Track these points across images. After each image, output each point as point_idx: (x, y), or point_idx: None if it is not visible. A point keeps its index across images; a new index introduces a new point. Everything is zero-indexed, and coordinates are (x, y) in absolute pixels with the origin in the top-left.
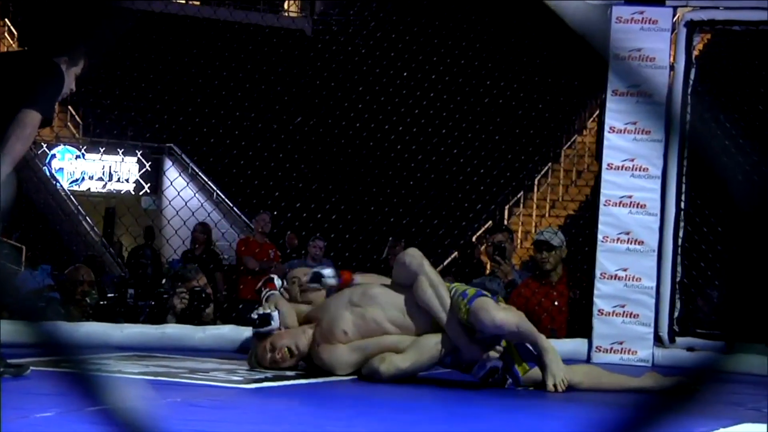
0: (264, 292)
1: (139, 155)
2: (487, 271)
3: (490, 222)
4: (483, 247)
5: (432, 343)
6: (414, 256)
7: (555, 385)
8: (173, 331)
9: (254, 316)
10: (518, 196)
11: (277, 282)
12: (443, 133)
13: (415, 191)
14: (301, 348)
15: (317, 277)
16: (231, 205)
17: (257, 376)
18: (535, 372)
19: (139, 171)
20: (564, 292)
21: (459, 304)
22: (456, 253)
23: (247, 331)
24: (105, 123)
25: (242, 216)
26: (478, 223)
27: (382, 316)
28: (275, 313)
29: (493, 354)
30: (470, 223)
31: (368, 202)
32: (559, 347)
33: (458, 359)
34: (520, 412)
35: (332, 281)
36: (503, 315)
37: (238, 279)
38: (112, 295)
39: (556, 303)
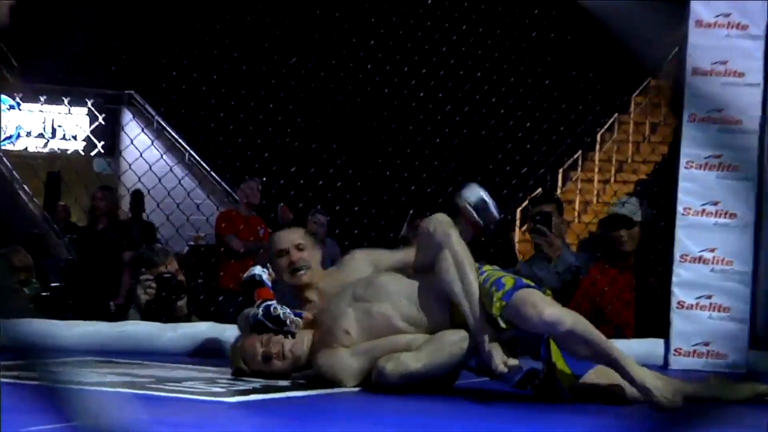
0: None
1: (90, 105)
2: (521, 256)
3: (540, 190)
4: (523, 226)
5: (452, 340)
6: (440, 222)
7: (664, 399)
8: (136, 329)
9: (264, 310)
10: (575, 156)
11: (260, 273)
12: (477, 76)
13: (442, 151)
14: (297, 352)
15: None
16: (208, 169)
17: (242, 387)
18: (589, 380)
19: (91, 126)
20: (631, 279)
21: (491, 295)
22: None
23: (230, 329)
24: (47, 64)
25: (223, 183)
26: (523, 192)
27: (391, 311)
28: (288, 318)
29: (512, 362)
30: (513, 191)
31: (382, 166)
32: (626, 350)
33: (485, 360)
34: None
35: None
36: (555, 310)
37: (219, 264)
38: (58, 284)
39: (622, 293)
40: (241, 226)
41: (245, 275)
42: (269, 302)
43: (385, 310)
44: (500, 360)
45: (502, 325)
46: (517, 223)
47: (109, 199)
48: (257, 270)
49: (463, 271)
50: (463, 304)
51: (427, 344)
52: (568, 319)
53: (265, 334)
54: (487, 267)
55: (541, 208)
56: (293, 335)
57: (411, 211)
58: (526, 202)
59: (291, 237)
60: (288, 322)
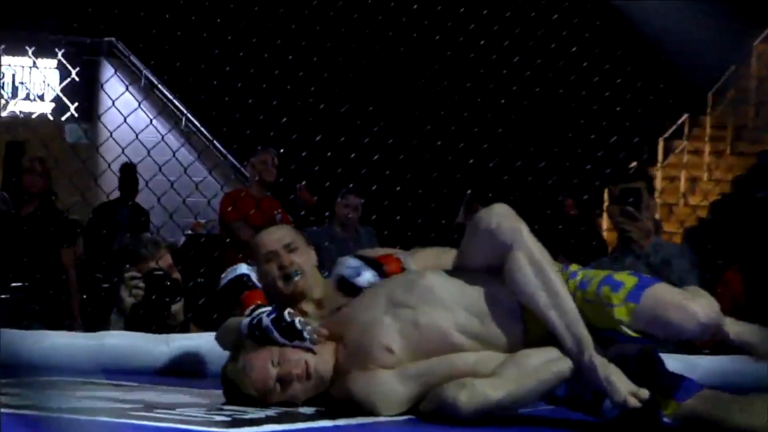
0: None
1: (60, 57)
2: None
3: (634, 163)
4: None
5: (539, 362)
6: (504, 217)
7: None
8: (120, 341)
9: (273, 317)
10: (680, 121)
11: (248, 272)
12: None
13: (507, 115)
14: (322, 372)
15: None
16: (210, 138)
17: (253, 415)
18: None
19: (62, 83)
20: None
21: (604, 297)
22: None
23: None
24: (6, 5)
25: (229, 156)
26: (613, 166)
27: (446, 321)
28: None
29: (644, 392)
30: (599, 166)
31: (431, 133)
32: None
33: (576, 389)
34: None
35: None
36: (710, 308)
37: (224, 258)
38: (20, 284)
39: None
40: (253, 210)
41: (225, 276)
42: (266, 309)
43: (438, 320)
44: (627, 389)
45: (631, 333)
46: (605, 206)
47: (43, 175)
48: (243, 268)
49: (546, 275)
50: (550, 316)
51: (506, 367)
52: (719, 315)
53: (275, 348)
54: (574, 266)
55: (627, 185)
56: (313, 351)
57: (468, 191)
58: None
59: (278, 235)
60: (306, 332)
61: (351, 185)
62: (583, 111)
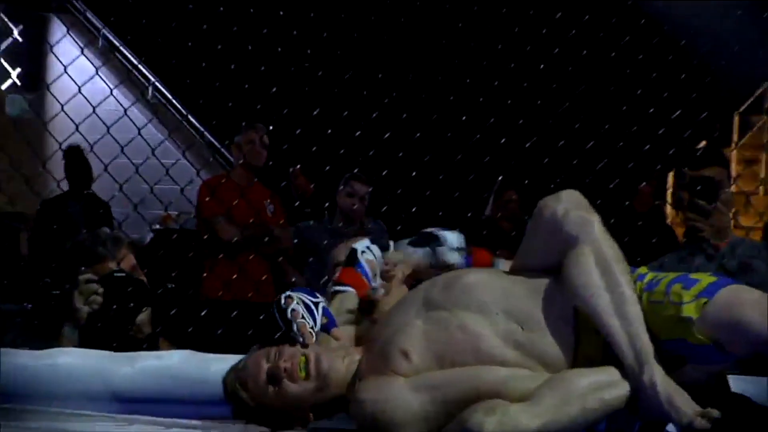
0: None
1: None
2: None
3: (703, 143)
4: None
5: (589, 387)
6: (574, 205)
7: None
8: (73, 361)
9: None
10: (758, 92)
11: (363, 248)
12: None
13: (548, 83)
14: (326, 371)
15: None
16: (184, 111)
17: None
18: None
19: (1, 44)
20: None
21: (673, 295)
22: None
23: (218, 362)
24: None
25: (207, 133)
26: (678, 146)
27: (483, 327)
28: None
29: (713, 412)
30: (659, 146)
31: (452, 107)
32: None
33: (621, 422)
34: None
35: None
36: None
37: (201, 259)
38: None
39: None
40: (236, 200)
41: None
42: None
43: (473, 324)
44: (691, 409)
45: (698, 336)
46: (669, 194)
47: None
48: (362, 243)
49: (613, 277)
50: (611, 325)
51: (547, 390)
52: None
53: (282, 347)
54: (643, 269)
55: (700, 173)
56: (303, 345)
57: (499, 179)
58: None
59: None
60: (295, 325)
61: (356, 170)
62: (640, 79)
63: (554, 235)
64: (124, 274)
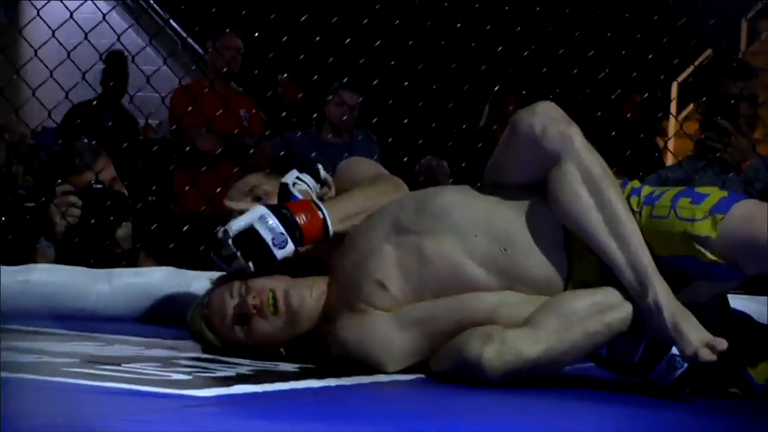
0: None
1: None
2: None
3: (709, 53)
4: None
5: (590, 309)
6: (551, 119)
7: None
8: (48, 278)
9: (227, 230)
10: None
11: (292, 180)
12: None
13: None
14: (296, 306)
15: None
16: (165, 16)
17: (220, 372)
18: None
19: None
20: None
21: (682, 210)
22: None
23: (199, 279)
24: None
25: (189, 40)
26: (681, 55)
27: (459, 250)
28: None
29: (721, 342)
30: (663, 54)
31: (446, 12)
32: None
33: (622, 346)
34: None
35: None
36: None
37: (174, 172)
38: None
39: None
40: (215, 109)
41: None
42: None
43: (447, 248)
44: (699, 338)
45: (710, 257)
46: (673, 106)
47: None
48: (290, 176)
49: (604, 194)
50: (607, 245)
51: (545, 315)
52: None
53: (237, 282)
54: (636, 182)
55: (718, 89)
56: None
57: (495, 89)
58: (689, 72)
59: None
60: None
61: (345, 78)
62: None
63: (533, 151)
64: (102, 185)
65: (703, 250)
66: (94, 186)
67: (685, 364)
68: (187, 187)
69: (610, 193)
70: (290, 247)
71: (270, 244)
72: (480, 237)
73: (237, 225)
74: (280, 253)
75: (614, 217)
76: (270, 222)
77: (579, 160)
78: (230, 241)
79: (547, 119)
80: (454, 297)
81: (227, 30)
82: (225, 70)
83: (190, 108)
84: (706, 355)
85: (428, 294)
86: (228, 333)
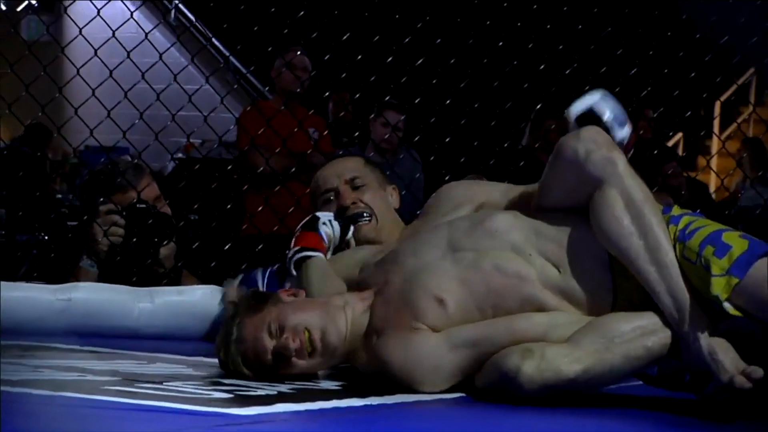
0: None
1: None
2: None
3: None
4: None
5: (632, 332)
6: (596, 144)
7: None
8: (91, 296)
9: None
10: None
11: (325, 227)
12: None
13: (590, 5)
14: (335, 343)
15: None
16: (209, 35)
17: (260, 391)
18: None
19: None
20: None
21: (704, 261)
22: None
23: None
24: None
25: (232, 58)
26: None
27: (522, 267)
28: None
29: (756, 371)
30: (705, 74)
31: (489, 32)
32: None
33: (673, 366)
34: None
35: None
36: None
37: (244, 194)
38: None
39: None
40: (283, 129)
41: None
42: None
43: (511, 264)
44: (734, 366)
45: (732, 312)
46: (716, 123)
47: None
48: (325, 215)
49: (645, 220)
50: (648, 273)
51: (587, 335)
52: None
53: (273, 310)
54: (677, 209)
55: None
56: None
57: (537, 108)
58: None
59: (341, 168)
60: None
61: (388, 97)
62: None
63: (577, 176)
64: (146, 206)
65: (724, 305)
66: (138, 205)
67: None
68: (260, 207)
69: (651, 220)
70: (628, 128)
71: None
72: (534, 256)
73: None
74: (620, 133)
75: (655, 244)
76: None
77: (622, 186)
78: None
79: (591, 144)
80: (506, 318)
81: (295, 49)
82: (298, 90)
83: (257, 126)
84: (742, 383)
85: (488, 309)
86: (266, 370)
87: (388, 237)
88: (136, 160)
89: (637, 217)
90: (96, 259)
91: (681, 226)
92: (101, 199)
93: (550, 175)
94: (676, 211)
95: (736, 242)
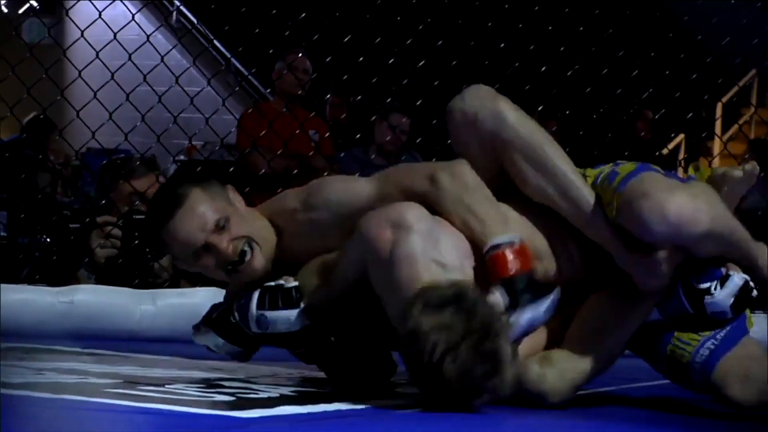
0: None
1: None
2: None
3: (753, 72)
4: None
5: (614, 311)
6: (480, 97)
7: None
8: (93, 299)
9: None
10: None
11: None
12: None
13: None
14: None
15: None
16: (210, 36)
17: (264, 394)
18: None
19: None
20: None
21: (606, 191)
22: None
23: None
24: None
25: (234, 61)
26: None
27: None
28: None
29: (658, 269)
30: (706, 74)
31: (490, 33)
32: None
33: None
34: None
35: None
36: (683, 199)
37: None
38: None
39: None
40: (284, 131)
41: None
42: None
43: (544, 265)
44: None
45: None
46: (717, 125)
47: None
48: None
49: (548, 165)
50: (568, 214)
51: (581, 330)
52: (705, 213)
53: None
54: (590, 169)
55: None
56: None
57: (539, 109)
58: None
59: (198, 224)
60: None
61: (389, 100)
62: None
63: (476, 140)
64: (143, 216)
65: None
66: (134, 216)
67: (735, 279)
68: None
69: (554, 163)
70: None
71: None
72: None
73: None
74: None
75: (564, 186)
76: None
77: (517, 138)
78: None
79: (476, 101)
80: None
81: (297, 51)
82: (300, 92)
83: (258, 128)
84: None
85: None
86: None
87: (269, 251)
88: (149, 155)
89: (540, 166)
90: (94, 270)
91: (597, 171)
92: (119, 182)
93: (457, 147)
94: (588, 171)
95: (626, 168)
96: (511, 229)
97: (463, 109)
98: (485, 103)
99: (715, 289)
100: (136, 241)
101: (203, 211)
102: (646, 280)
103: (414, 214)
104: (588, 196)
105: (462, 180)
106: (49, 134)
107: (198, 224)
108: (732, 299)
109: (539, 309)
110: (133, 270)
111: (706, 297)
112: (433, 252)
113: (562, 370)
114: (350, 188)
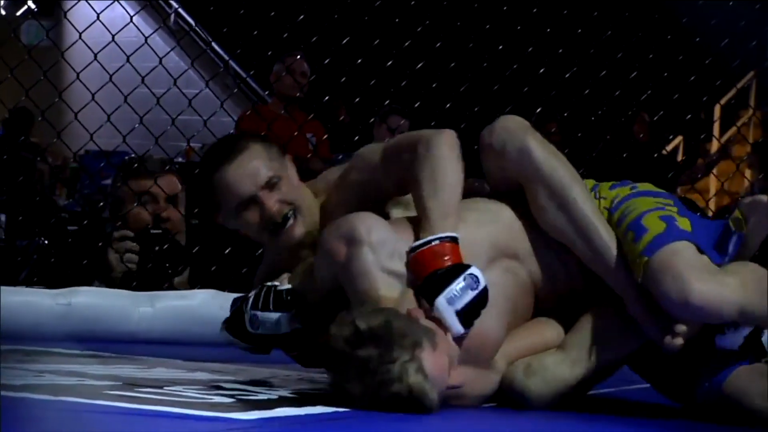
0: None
1: None
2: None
3: (752, 73)
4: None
5: (611, 325)
6: (509, 129)
7: None
8: (91, 301)
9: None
10: None
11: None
12: None
13: (584, 14)
14: None
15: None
16: (208, 39)
17: (262, 396)
18: None
19: None
20: None
21: (629, 245)
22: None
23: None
24: None
25: (232, 63)
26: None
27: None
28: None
29: (676, 338)
30: (704, 76)
31: (490, 37)
32: None
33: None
34: None
35: None
36: (709, 288)
37: None
38: None
39: None
40: (282, 133)
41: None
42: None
43: (532, 273)
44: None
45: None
46: (716, 126)
47: None
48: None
49: (570, 207)
50: (585, 256)
51: (579, 336)
52: (733, 299)
53: None
54: (605, 189)
55: None
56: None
57: (537, 111)
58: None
59: (250, 173)
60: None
61: (387, 102)
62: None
63: (500, 167)
64: (160, 231)
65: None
66: (151, 232)
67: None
68: None
69: (578, 207)
70: None
71: None
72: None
73: None
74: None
75: (585, 229)
76: None
77: (541, 176)
78: None
79: (504, 134)
80: (534, 324)
81: (295, 54)
82: (298, 94)
83: (256, 130)
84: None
85: (518, 320)
86: None
87: (312, 225)
88: (160, 156)
89: (562, 206)
90: (110, 285)
91: (616, 215)
92: (127, 182)
93: (486, 170)
94: (603, 191)
95: (655, 224)
96: (448, 225)
97: (491, 142)
98: (513, 136)
99: (728, 329)
100: (152, 255)
101: (259, 165)
102: (659, 339)
103: (366, 225)
104: (609, 242)
105: (438, 153)
106: (30, 125)
107: (251, 175)
108: (743, 340)
109: (455, 288)
110: (151, 286)
111: (718, 335)
112: (388, 262)
113: (546, 379)
114: (375, 148)
